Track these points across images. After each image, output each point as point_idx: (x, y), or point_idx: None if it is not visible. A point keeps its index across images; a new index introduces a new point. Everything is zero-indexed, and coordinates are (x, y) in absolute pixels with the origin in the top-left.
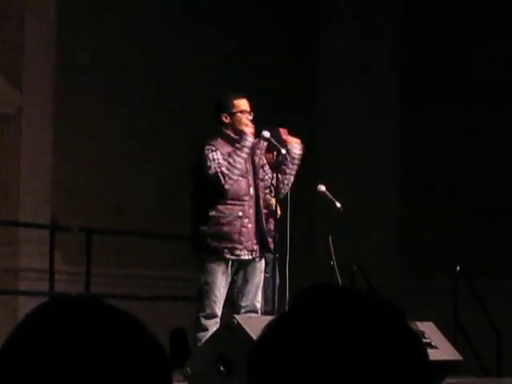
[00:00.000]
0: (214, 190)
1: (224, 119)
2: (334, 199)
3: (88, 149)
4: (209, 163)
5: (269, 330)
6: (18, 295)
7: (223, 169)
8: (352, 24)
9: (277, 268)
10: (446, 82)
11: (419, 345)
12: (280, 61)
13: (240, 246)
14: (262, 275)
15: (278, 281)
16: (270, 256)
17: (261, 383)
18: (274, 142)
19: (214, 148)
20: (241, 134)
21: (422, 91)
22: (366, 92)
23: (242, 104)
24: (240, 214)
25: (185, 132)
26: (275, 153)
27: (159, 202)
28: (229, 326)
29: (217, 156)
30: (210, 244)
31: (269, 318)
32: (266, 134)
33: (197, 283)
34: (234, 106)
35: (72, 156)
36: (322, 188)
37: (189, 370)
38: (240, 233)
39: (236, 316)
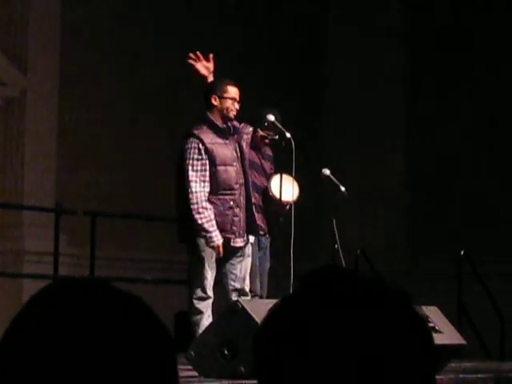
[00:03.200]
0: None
1: (213, 101)
2: (338, 183)
3: (93, 132)
4: (188, 161)
5: (273, 312)
6: (22, 278)
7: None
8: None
9: (268, 251)
10: (453, 66)
11: (425, 328)
12: (288, 51)
13: (232, 236)
14: (250, 259)
15: (268, 264)
16: (264, 241)
17: (267, 366)
18: (279, 126)
19: (196, 141)
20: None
21: (429, 79)
22: (373, 77)
23: (234, 91)
24: (231, 203)
25: (188, 119)
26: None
27: (164, 186)
28: (233, 309)
29: (198, 157)
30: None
31: (273, 302)
32: (271, 117)
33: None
34: (226, 91)
35: (77, 139)
36: (327, 172)
37: (193, 353)
38: (232, 223)
39: (240, 299)
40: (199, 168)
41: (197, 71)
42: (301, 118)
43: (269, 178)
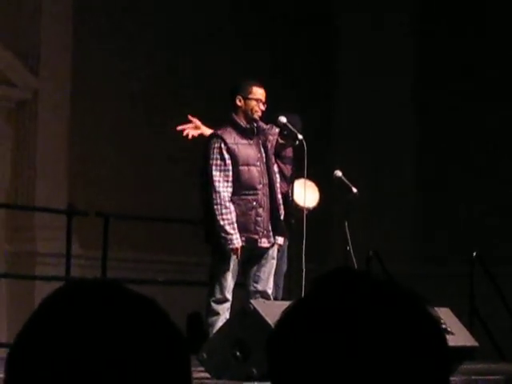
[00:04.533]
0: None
1: (238, 102)
2: (350, 184)
3: (105, 133)
4: (211, 161)
5: (287, 315)
6: (34, 280)
7: (221, 185)
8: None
9: (285, 254)
10: (463, 72)
11: (438, 330)
12: (299, 48)
13: (256, 236)
14: (274, 262)
15: (285, 266)
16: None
17: (280, 369)
18: (292, 128)
19: (219, 141)
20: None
21: (438, 86)
22: (384, 77)
23: (259, 92)
24: (254, 203)
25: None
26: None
27: (176, 187)
28: (244, 311)
29: (221, 157)
30: None
31: (285, 303)
32: (283, 119)
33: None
34: (251, 92)
35: (88, 140)
36: (339, 173)
37: (205, 354)
38: (255, 223)
39: (252, 301)
40: (223, 168)
41: (193, 137)
42: (311, 119)
43: (289, 181)
